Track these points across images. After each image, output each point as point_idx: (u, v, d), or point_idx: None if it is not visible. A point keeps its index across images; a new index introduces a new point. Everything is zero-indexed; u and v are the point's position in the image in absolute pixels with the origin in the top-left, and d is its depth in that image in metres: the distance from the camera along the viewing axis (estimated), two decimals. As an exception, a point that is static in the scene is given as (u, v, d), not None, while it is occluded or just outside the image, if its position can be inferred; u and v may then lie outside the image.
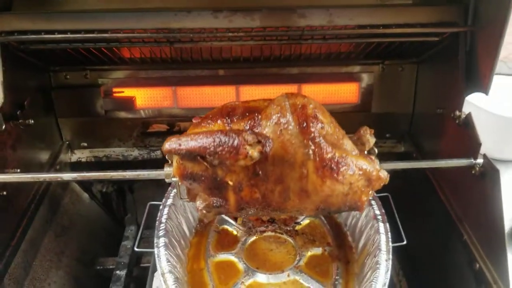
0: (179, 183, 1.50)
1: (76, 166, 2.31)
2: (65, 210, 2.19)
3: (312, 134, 1.37)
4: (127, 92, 2.18)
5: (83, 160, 2.31)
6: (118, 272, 1.97)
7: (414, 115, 2.29)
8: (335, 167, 1.41)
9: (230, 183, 1.40)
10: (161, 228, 1.66)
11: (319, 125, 1.40)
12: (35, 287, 1.80)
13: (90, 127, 2.27)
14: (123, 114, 2.23)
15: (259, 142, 1.31)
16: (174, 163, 1.42)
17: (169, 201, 1.77)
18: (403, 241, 1.66)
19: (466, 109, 1.75)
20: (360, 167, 1.46)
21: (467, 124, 1.69)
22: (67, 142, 2.29)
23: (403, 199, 1.92)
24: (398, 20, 1.73)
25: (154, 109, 2.24)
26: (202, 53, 2.07)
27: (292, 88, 2.21)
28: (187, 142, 1.33)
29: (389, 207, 1.82)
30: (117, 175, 1.60)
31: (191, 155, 1.33)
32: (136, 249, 1.69)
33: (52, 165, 2.16)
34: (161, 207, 1.77)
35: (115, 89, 2.18)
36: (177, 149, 1.34)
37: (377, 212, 1.71)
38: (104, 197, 2.44)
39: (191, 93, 2.21)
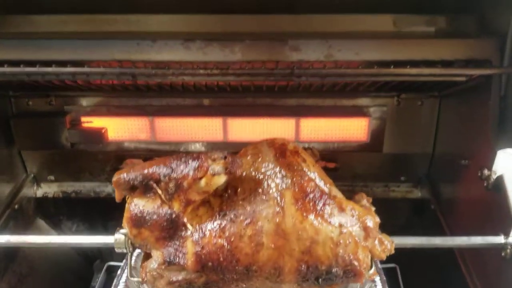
0: (130, 255, 1.30)
1: (42, 202, 2.04)
2: (25, 254, 1.91)
3: (291, 163, 1.22)
4: (97, 122, 1.88)
5: (50, 195, 2.03)
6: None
7: (434, 156, 1.93)
8: (319, 201, 1.19)
9: (190, 227, 1.18)
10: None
11: (301, 158, 1.25)
12: None
13: (58, 159, 1.99)
14: (92, 147, 1.94)
15: (225, 158, 1.16)
16: (126, 206, 1.25)
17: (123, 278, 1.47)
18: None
19: (497, 168, 1.39)
20: (353, 209, 1.21)
21: (498, 189, 1.35)
22: (33, 175, 2.01)
23: (415, 272, 1.57)
24: (416, 56, 1.38)
25: (128, 142, 1.93)
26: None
27: (288, 122, 1.88)
28: (141, 169, 1.20)
29: (396, 283, 1.48)
30: (53, 243, 1.31)
31: (143, 181, 1.19)
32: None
33: (11, 202, 1.88)
34: (119, 271, 1.47)
35: (83, 119, 1.88)
36: (126, 177, 1.21)
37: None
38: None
39: (171, 125, 1.90)
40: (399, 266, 1.58)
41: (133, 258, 1.50)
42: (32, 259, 1.93)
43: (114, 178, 1.23)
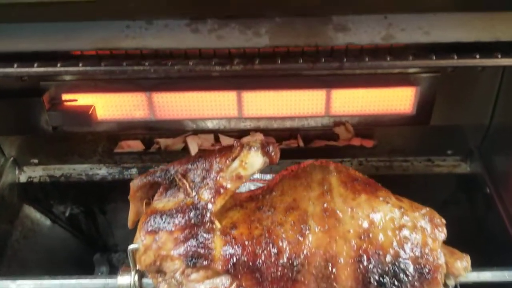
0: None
1: (28, 188, 1.74)
2: (14, 251, 1.66)
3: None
4: (83, 99, 1.53)
5: (35, 180, 1.73)
6: None
7: (491, 128, 1.61)
8: (369, 186, 1.09)
9: (217, 223, 1.01)
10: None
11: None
12: None
13: (39, 141, 1.67)
14: (79, 128, 1.60)
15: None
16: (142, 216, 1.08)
17: None
18: None
19: None
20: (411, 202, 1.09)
21: None
22: (12, 158, 1.70)
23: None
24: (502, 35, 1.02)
25: (122, 121, 1.59)
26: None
27: (318, 94, 1.53)
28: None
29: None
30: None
31: (166, 175, 1.08)
32: None
33: (-7, 190, 1.60)
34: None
35: (65, 96, 1.53)
36: (145, 176, 1.10)
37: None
38: (70, 220, 1.89)
39: (172, 100, 1.55)
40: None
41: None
42: (22, 254, 1.69)
43: (131, 183, 1.12)
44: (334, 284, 0.97)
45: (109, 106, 1.56)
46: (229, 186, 1.03)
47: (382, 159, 1.71)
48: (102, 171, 1.73)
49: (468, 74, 1.49)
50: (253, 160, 1.05)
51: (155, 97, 1.54)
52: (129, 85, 1.52)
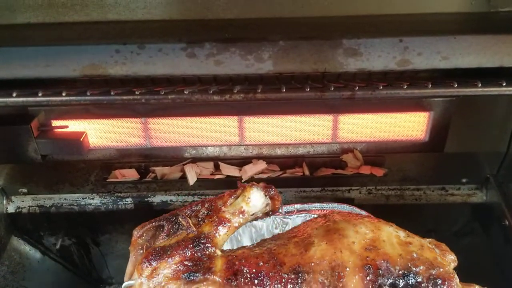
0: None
1: (16, 219, 1.64)
2: (1, 287, 1.55)
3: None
4: (74, 126, 1.44)
5: (24, 210, 1.63)
6: None
7: (508, 155, 1.51)
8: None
9: (218, 251, 0.99)
10: None
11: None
12: None
13: (28, 169, 1.57)
14: (70, 157, 1.51)
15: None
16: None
17: None
18: None
19: None
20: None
21: None
22: (0, 187, 1.60)
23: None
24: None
25: (116, 148, 1.49)
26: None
27: (325, 119, 1.44)
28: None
29: None
30: None
31: (171, 218, 1.04)
32: None
33: (-21, 222, 1.50)
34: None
35: (55, 122, 1.43)
36: (149, 222, 1.07)
37: None
38: (61, 252, 1.78)
39: (169, 126, 1.45)
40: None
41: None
42: (9, 291, 1.58)
43: (133, 231, 1.07)
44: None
45: (101, 133, 1.46)
46: (232, 219, 1.01)
47: (393, 187, 1.61)
48: (95, 201, 1.63)
49: (484, 99, 1.39)
50: (256, 197, 1.04)
51: (151, 123, 1.44)
52: (123, 110, 1.43)
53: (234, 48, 0.93)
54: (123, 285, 0.97)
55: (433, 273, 0.93)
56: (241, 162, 1.55)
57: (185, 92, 0.95)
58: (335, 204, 1.44)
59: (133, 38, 0.93)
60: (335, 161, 1.54)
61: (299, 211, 1.45)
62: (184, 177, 1.54)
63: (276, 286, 0.93)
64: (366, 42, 0.93)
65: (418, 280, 0.92)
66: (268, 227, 1.44)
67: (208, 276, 0.94)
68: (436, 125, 1.44)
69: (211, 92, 0.96)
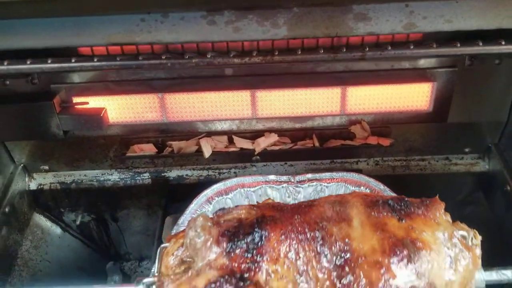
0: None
1: (38, 196, 1.71)
2: (25, 261, 1.63)
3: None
4: (94, 102, 1.51)
5: (46, 187, 1.71)
6: None
7: (508, 124, 1.58)
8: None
9: None
10: None
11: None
12: None
13: (50, 146, 1.64)
14: (90, 133, 1.58)
15: None
16: None
17: None
18: None
19: None
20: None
21: None
22: (22, 165, 1.67)
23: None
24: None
25: (134, 124, 1.56)
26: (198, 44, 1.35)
27: (333, 92, 1.50)
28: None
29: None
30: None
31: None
32: None
33: (3, 198, 1.57)
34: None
35: (76, 99, 1.50)
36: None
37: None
38: (81, 229, 1.85)
39: (186, 101, 1.52)
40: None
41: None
42: (33, 263, 1.66)
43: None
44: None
45: (120, 109, 1.53)
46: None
47: (399, 158, 1.68)
48: (113, 177, 1.70)
49: (485, 68, 1.46)
50: None
51: (168, 98, 1.51)
52: (140, 86, 1.49)
53: (252, 15, 0.99)
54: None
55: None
56: (254, 135, 1.62)
57: (207, 56, 1.02)
58: (345, 173, 1.51)
59: (157, 7, 0.99)
60: (344, 132, 1.61)
61: (310, 180, 1.52)
62: (199, 151, 1.61)
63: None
64: (374, 7, 1.00)
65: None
66: (282, 196, 1.52)
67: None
68: (439, 96, 1.51)
69: (231, 55, 1.03)
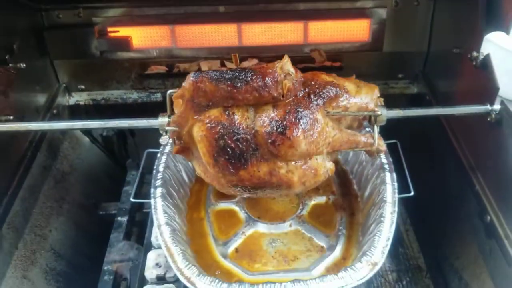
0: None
1: (75, 110, 2.24)
2: (65, 155, 2.14)
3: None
4: (123, 31, 2.06)
5: (81, 103, 2.24)
6: (119, 218, 1.94)
7: (429, 54, 2.14)
8: None
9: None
10: (158, 178, 1.59)
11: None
12: (36, 234, 1.79)
13: (87, 69, 2.18)
14: (119, 55, 2.12)
15: None
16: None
17: (167, 149, 1.69)
18: (410, 192, 1.58)
19: (485, 49, 1.60)
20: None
21: (485, 66, 1.55)
22: (64, 85, 2.21)
23: (413, 146, 1.82)
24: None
25: (151, 49, 2.11)
26: (200, -14, 1.93)
27: (297, 26, 2.07)
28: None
29: (398, 155, 1.72)
30: (107, 124, 1.52)
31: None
32: (132, 199, 1.64)
33: (49, 109, 2.09)
34: (158, 155, 1.70)
35: (109, 29, 2.05)
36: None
37: (384, 160, 1.61)
38: (105, 141, 2.38)
39: (190, 32, 2.08)
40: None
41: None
42: (71, 159, 2.17)
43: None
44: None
45: (142, 37, 2.08)
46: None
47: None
48: (133, 96, 2.24)
49: (407, 8, 2.03)
50: None
51: (177, 29, 2.07)
52: (157, 19, 2.05)
53: None
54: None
55: None
56: (240, 60, 2.16)
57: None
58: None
59: None
60: (307, 58, 2.16)
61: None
62: (200, 70, 2.15)
63: None
64: None
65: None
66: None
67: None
68: (375, 30, 2.08)
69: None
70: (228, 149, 1.26)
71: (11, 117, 1.71)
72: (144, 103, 2.23)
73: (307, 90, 1.29)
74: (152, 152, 1.75)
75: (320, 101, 1.29)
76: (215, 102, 1.26)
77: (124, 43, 2.04)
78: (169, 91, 1.40)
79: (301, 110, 1.25)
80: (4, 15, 1.75)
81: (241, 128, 1.26)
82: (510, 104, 1.46)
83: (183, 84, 1.26)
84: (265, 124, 1.25)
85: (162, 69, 2.17)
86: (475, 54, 1.60)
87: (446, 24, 1.98)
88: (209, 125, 1.26)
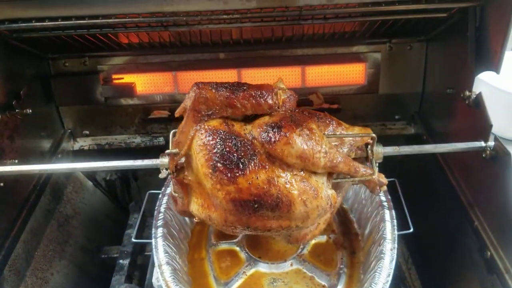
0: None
1: (79, 154, 2.28)
2: (68, 199, 2.17)
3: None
4: (127, 78, 2.13)
5: (86, 148, 2.28)
6: (121, 261, 1.94)
7: (424, 95, 2.20)
8: None
9: None
10: (159, 218, 1.62)
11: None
12: (38, 277, 1.79)
13: (91, 114, 2.24)
14: (123, 101, 2.19)
15: None
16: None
17: (168, 190, 1.72)
18: (409, 228, 1.59)
19: (476, 88, 1.66)
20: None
21: (477, 104, 1.60)
22: (69, 130, 2.26)
23: (411, 184, 1.85)
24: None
25: (155, 95, 2.18)
26: (201, 36, 2.01)
27: (295, 70, 2.14)
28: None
29: (396, 193, 1.75)
30: (110, 166, 1.54)
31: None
32: (134, 240, 1.65)
33: (54, 153, 2.14)
34: (160, 195, 1.73)
35: (114, 76, 2.13)
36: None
37: (383, 198, 1.64)
38: (108, 185, 2.41)
39: (192, 77, 2.15)
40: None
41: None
42: (74, 203, 2.19)
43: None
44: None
45: (145, 83, 2.16)
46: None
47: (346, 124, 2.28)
48: (137, 140, 2.29)
49: (401, 51, 2.11)
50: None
51: (179, 75, 2.14)
52: (160, 66, 2.13)
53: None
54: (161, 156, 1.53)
55: None
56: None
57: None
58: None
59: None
60: (304, 101, 2.22)
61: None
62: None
63: None
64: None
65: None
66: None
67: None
68: (370, 73, 2.14)
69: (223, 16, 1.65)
70: (226, 154, 1.27)
71: (16, 161, 1.76)
72: (147, 147, 2.27)
73: (303, 111, 1.39)
74: (154, 193, 1.78)
75: (315, 119, 1.37)
76: (215, 112, 1.33)
77: (128, 89, 2.11)
78: (172, 131, 1.45)
79: (297, 117, 1.32)
80: (13, 63, 1.82)
81: (239, 136, 1.29)
82: (504, 141, 1.50)
83: (186, 95, 1.38)
84: (261, 129, 1.29)
85: (164, 113, 2.23)
86: (467, 93, 1.65)
87: (439, 66, 2.05)
88: (208, 133, 1.30)
